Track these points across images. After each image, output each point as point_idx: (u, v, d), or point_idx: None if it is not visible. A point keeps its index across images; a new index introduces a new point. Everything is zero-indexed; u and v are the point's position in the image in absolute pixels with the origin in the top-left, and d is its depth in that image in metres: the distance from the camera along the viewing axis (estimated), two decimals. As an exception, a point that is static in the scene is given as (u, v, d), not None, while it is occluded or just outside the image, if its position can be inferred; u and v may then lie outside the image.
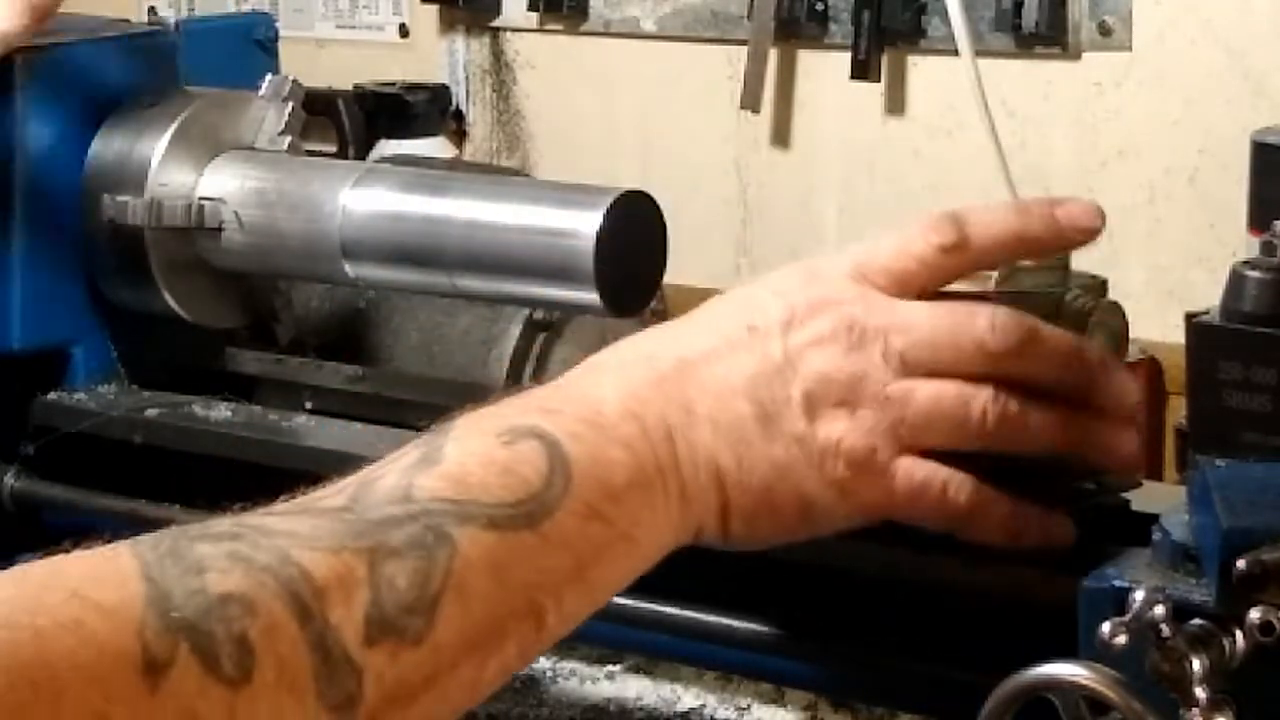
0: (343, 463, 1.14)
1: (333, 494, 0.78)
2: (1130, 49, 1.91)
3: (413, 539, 0.75)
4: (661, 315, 1.89)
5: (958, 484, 0.88)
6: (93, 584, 0.70)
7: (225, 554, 0.72)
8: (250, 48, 1.40)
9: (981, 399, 0.87)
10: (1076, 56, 1.94)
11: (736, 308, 0.89)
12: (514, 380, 1.65)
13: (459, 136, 2.39)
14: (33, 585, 0.70)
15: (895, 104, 2.04)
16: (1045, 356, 0.88)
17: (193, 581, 0.71)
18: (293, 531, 0.74)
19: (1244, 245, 1.54)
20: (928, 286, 0.89)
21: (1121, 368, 0.91)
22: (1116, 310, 0.95)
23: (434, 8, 2.37)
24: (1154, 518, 0.88)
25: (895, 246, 0.89)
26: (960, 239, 0.88)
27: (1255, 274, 0.87)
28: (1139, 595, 0.80)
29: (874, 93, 2.04)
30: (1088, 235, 0.91)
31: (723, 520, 0.87)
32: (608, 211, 1.12)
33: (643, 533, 0.83)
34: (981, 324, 0.87)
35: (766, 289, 0.89)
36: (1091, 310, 0.93)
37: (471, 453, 0.79)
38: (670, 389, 0.85)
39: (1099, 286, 0.95)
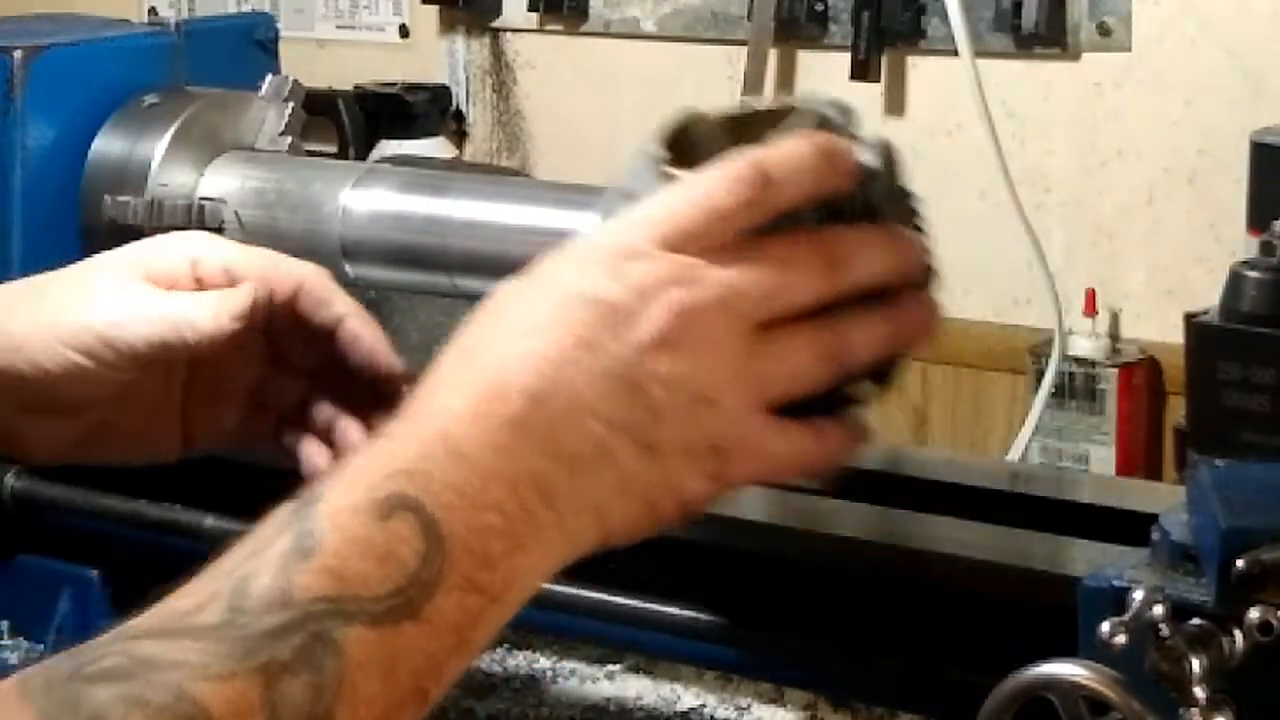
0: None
1: (206, 601, 0.75)
2: (1130, 49, 1.91)
3: (301, 651, 0.73)
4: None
5: (820, 432, 0.86)
6: None
7: (121, 698, 0.71)
8: (251, 48, 1.41)
9: (826, 339, 0.84)
10: (1076, 57, 1.94)
11: (554, 311, 0.82)
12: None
13: (459, 137, 2.39)
14: None
15: (895, 104, 2.05)
16: (872, 257, 0.85)
17: None
18: (184, 662, 0.72)
19: (1243, 245, 1.54)
20: (731, 240, 0.83)
21: (903, 237, 0.87)
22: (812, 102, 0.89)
23: (434, 8, 2.37)
24: (1153, 517, 0.88)
25: (697, 206, 0.83)
26: (767, 193, 0.83)
27: (1254, 274, 0.87)
28: (1138, 595, 0.80)
29: (874, 93, 2.04)
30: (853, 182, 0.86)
31: (603, 542, 0.84)
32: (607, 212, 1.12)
33: (517, 591, 0.80)
34: (805, 253, 0.84)
35: (577, 280, 0.83)
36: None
37: (348, 539, 0.76)
38: (532, 434, 0.80)
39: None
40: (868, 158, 0.86)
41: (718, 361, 0.82)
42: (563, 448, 0.80)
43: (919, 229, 0.88)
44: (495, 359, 0.82)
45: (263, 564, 0.76)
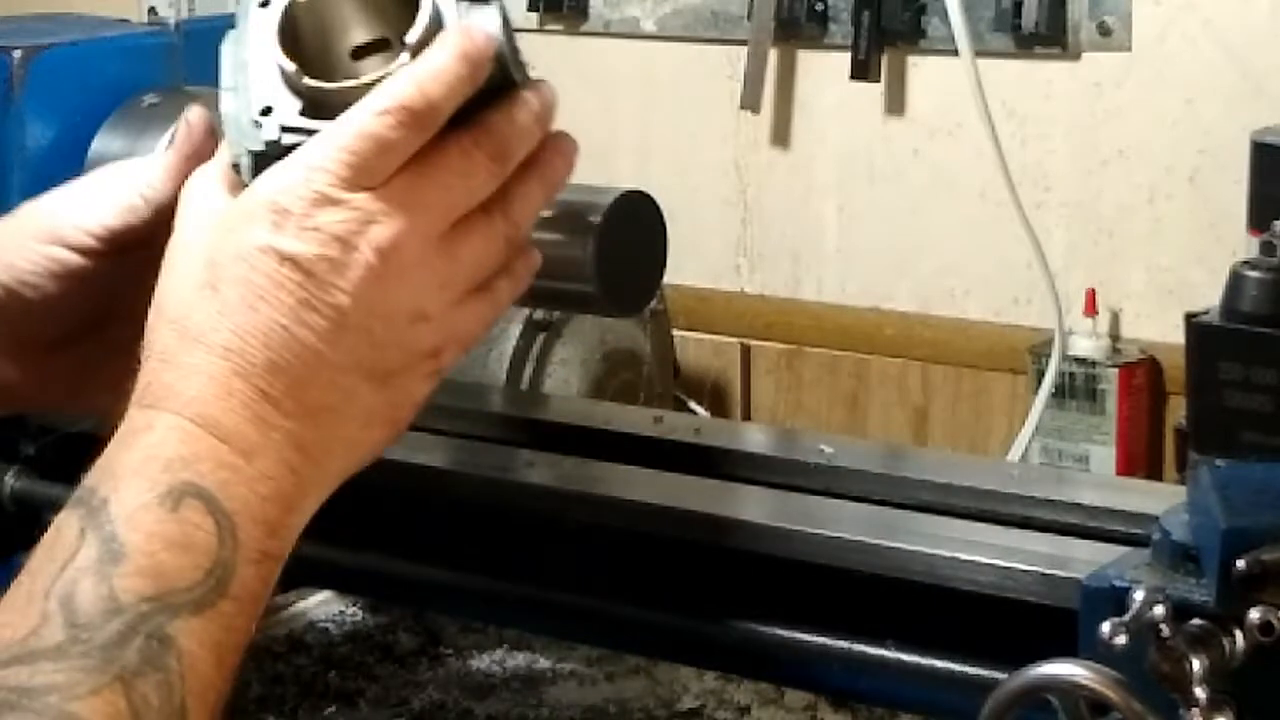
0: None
1: (37, 623, 0.78)
2: (1130, 49, 1.91)
3: (145, 653, 0.77)
4: (661, 315, 1.90)
5: (507, 285, 0.92)
6: None
7: None
8: (250, 48, 1.40)
9: (500, 228, 0.90)
10: (1076, 57, 1.94)
11: (267, 279, 0.85)
12: (514, 381, 1.65)
13: (459, 136, 2.38)
14: None
15: (895, 104, 2.04)
16: (526, 137, 0.90)
17: None
18: (54, 685, 0.75)
19: (1244, 245, 1.54)
20: (405, 163, 0.88)
21: (536, 98, 0.91)
22: None
23: (434, 8, 2.37)
24: (1153, 518, 0.88)
25: (370, 140, 0.86)
26: (431, 115, 0.87)
27: (1255, 274, 0.87)
28: (1139, 595, 0.80)
29: (874, 93, 2.03)
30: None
31: (358, 469, 0.89)
32: (608, 211, 1.12)
33: (291, 544, 0.85)
34: (473, 156, 0.88)
35: (278, 241, 0.85)
36: None
37: (150, 536, 0.80)
38: (281, 401, 0.84)
39: None
40: (493, 30, 0.89)
41: (422, 280, 0.87)
42: (310, 405, 0.85)
43: (524, 67, 0.91)
44: (227, 337, 0.85)
45: (79, 576, 0.79)
